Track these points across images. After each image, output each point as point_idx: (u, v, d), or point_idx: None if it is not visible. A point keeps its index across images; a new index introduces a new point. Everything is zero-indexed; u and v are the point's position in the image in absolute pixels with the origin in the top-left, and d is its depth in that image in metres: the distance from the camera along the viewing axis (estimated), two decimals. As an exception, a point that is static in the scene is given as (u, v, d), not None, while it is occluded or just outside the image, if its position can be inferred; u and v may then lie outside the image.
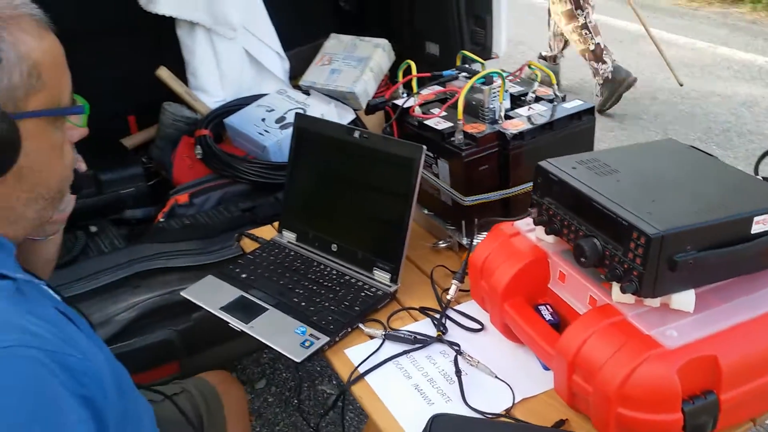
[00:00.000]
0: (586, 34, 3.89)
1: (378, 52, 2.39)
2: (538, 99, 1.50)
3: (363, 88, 2.30)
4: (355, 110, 2.33)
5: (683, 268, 0.91)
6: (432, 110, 1.47)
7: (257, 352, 2.35)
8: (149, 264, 1.75)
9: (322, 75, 2.39)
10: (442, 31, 2.42)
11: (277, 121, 2.17)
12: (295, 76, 2.55)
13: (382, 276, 1.33)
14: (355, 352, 1.18)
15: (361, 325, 1.23)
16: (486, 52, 2.37)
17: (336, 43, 2.51)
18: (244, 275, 1.39)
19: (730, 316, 0.92)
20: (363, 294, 1.30)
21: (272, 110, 2.22)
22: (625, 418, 0.87)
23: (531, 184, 1.14)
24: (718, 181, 1.06)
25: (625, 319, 0.94)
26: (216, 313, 1.30)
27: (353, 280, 1.34)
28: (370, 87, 2.34)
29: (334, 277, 1.36)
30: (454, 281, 1.26)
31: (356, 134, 1.40)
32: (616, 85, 3.90)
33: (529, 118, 1.41)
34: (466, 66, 1.61)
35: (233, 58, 2.38)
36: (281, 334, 1.22)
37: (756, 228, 0.95)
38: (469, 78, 1.43)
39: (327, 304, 1.28)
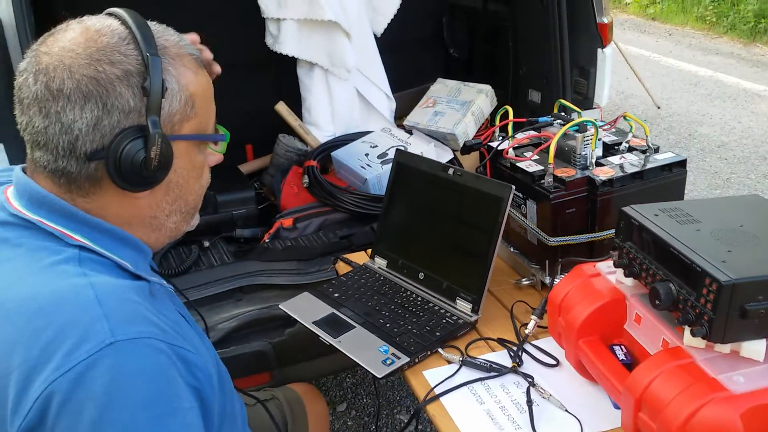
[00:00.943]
0: None
1: (481, 97, 2.49)
2: (631, 149, 1.54)
3: (463, 129, 2.40)
4: (453, 151, 2.43)
5: (754, 317, 0.93)
6: (525, 153, 1.54)
7: (341, 374, 2.45)
8: (252, 279, 1.90)
9: (426, 116, 2.51)
10: (544, 79, 2.50)
11: (380, 156, 2.31)
12: (400, 116, 2.70)
13: (464, 306, 1.40)
14: (433, 374, 1.25)
15: (440, 350, 1.30)
16: (587, 102, 2.42)
17: (441, 87, 2.63)
18: (336, 294, 1.50)
19: (802, 368, 0.93)
20: (444, 321, 1.37)
21: (376, 146, 2.36)
22: (687, 457, 0.89)
23: (615, 229, 1.19)
24: (800, 237, 1.07)
25: (694, 362, 0.96)
26: (308, 326, 1.41)
27: (436, 308, 1.42)
28: (470, 129, 2.43)
29: (419, 303, 1.44)
30: (533, 316, 1.31)
31: (450, 171, 1.49)
32: None
33: (620, 166, 1.46)
34: (562, 114, 1.67)
35: (345, 97, 2.56)
36: (366, 350, 1.31)
37: (833, 284, 0.95)
38: (564, 125, 1.50)
39: (410, 327, 1.36)
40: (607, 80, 2.45)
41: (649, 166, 1.45)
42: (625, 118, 1.58)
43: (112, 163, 0.82)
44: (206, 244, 2.14)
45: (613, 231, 1.39)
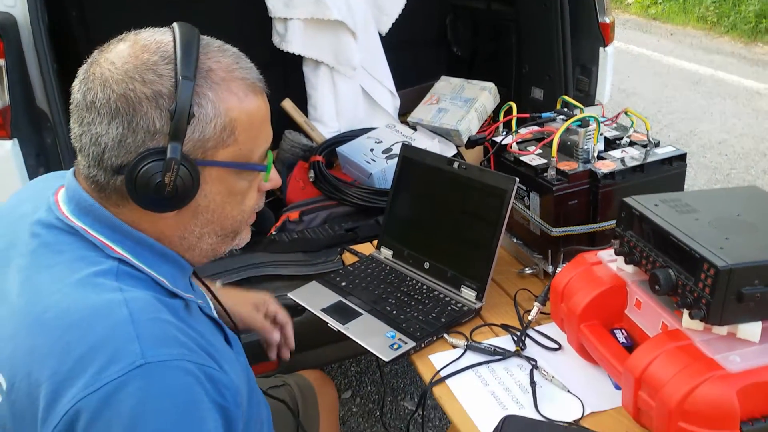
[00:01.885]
0: None
1: (484, 94, 2.53)
2: (632, 143, 1.58)
3: (467, 126, 2.44)
4: (457, 147, 2.47)
5: (750, 300, 0.97)
6: (528, 148, 1.58)
7: (346, 363, 2.49)
8: (260, 270, 1.94)
9: (430, 113, 2.55)
10: (547, 77, 2.54)
11: (384, 151, 2.34)
12: (404, 113, 2.74)
13: (468, 294, 1.44)
14: (438, 358, 1.29)
15: (445, 335, 1.34)
16: (589, 100, 2.47)
17: (445, 85, 2.67)
18: (343, 283, 1.54)
19: (795, 348, 0.97)
20: (449, 308, 1.41)
21: (380, 142, 2.40)
22: (685, 432, 0.93)
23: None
24: (795, 225, 1.11)
25: (693, 344, 1.00)
26: (317, 314, 1.45)
27: (441, 296, 1.46)
28: (474, 125, 2.47)
29: (425, 291, 1.48)
30: (536, 303, 1.35)
31: (455, 165, 1.53)
32: None
33: (621, 160, 1.50)
34: (565, 110, 1.71)
35: (350, 94, 2.60)
36: (373, 336, 1.35)
37: (826, 269, 0.99)
38: (566, 120, 1.54)
39: (416, 314, 1.40)
40: (609, 78, 2.49)
41: (649, 159, 1.49)
42: (626, 113, 1.62)
43: (130, 182, 0.82)
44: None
45: (614, 222, 1.42)
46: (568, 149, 1.53)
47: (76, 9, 2.56)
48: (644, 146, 1.55)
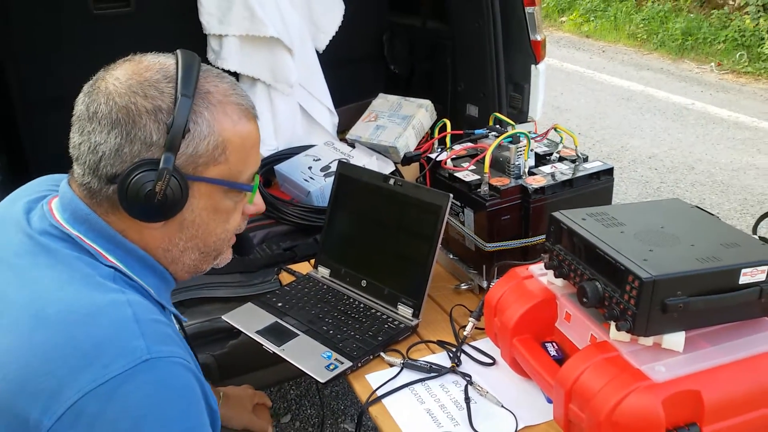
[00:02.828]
0: None
1: (421, 112, 2.55)
2: (561, 159, 1.61)
3: (405, 143, 2.46)
4: (395, 163, 2.48)
5: (673, 311, 0.99)
6: (462, 164, 1.60)
7: (285, 386, 2.45)
8: (193, 293, 1.89)
9: (368, 130, 2.56)
10: (482, 95, 2.58)
11: (323, 169, 2.34)
12: (343, 130, 2.74)
13: (405, 311, 1.44)
14: (375, 378, 1.28)
15: (382, 354, 1.33)
16: (522, 116, 2.52)
17: (383, 102, 2.68)
18: (280, 304, 1.52)
19: (715, 357, 1.00)
20: (386, 326, 1.41)
21: (319, 159, 2.39)
22: (614, 444, 0.95)
23: (547, 233, 1.25)
24: (715, 236, 1.14)
25: (620, 355, 1.02)
26: (252, 336, 1.42)
27: (378, 314, 1.45)
28: (411, 142, 2.49)
29: (362, 309, 1.48)
30: (471, 318, 1.36)
31: (391, 181, 1.54)
32: None
33: (552, 175, 1.53)
34: (497, 126, 1.74)
35: (288, 112, 2.59)
36: (309, 357, 1.34)
37: (743, 279, 1.03)
38: (498, 137, 1.56)
39: (353, 333, 1.39)
40: (541, 95, 2.55)
41: (578, 174, 1.53)
42: (555, 129, 1.66)
43: (122, 190, 0.86)
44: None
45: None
46: (500, 165, 1.56)
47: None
48: (573, 161, 1.59)
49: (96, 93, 0.88)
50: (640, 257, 1.04)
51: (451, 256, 1.62)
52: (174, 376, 0.80)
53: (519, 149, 1.53)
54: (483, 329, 1.34)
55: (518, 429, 1.13)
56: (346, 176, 1.65)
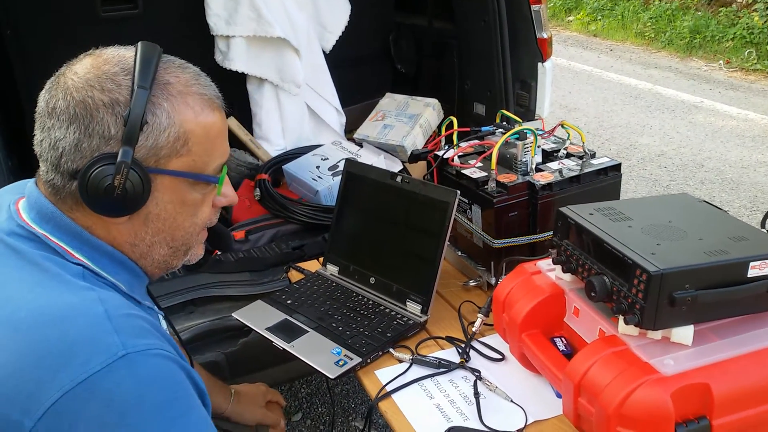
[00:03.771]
0: None
1: (428, 111, 2.56)
2: (569, 155, 1.61)
3: (412, 141, 2.46)
4: (403, 162, 2.49)
5: (682, 305, 0.99)
6: (469, 161, 1.60)
7: (295, 384, 2.46)
8: (204, 292, 1.91)
9: (375, 129, 2.56)
10: (488, 93, 2.59)
11: (330, 168, 2.34)
12: (350, 129, 2.75)
13: (413, 307, 1.44)
14: (384, 373, 1.29)
15: (391, 350, 1.34)
16: (530, 114, 2.51)
17: (390, 101, 2.69)
18: (289, 301, 1.53)
19: (725, 350, 1.00)
20: (395, 322, 1.41)
21: (327, 159, 2.39)
22: (623, 437, 0.95)
23: (556, 229, 1.25)
24: (723, 230, 1.14)
25: (628, 349, 1.03)
26: (261, 333, 1.43)
27: (387, 310, 1.46)
28: (419, 141, 2.50)
29: (370, 306, 1.48)
30: (479, 314, 1.36)
31: (398, 179, 1.54)
32: None
33: (559, 171, 1.53)
34: (504, 123, 1.74)
35: (295, 112, 2.60)
36: (319, 353, 1.34)
37: (752, 272, 1.03)
38: (505, 134, 1.56)
39: (362, 329, 1.40)
40: (548, 92, 2.55)
41: (585, 170, 1.53)
42: (563, 126, 1.66)
43: (83, 185, 0.85)
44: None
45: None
46: (507, 162, 1.56)
47: (10, 28, 2.49)
48: (580, 157, 1.59)
49: (55, 89, 0.87)
50: (648, 251, 1.04)
51: (459, 253, 1.63)
52: (154, 368, 0.79)
53: (526, 146, 1.53)
54: (491, 325, 1.34)
55: (527, 423, 1.13)
56: (354, 174, 1.66)
